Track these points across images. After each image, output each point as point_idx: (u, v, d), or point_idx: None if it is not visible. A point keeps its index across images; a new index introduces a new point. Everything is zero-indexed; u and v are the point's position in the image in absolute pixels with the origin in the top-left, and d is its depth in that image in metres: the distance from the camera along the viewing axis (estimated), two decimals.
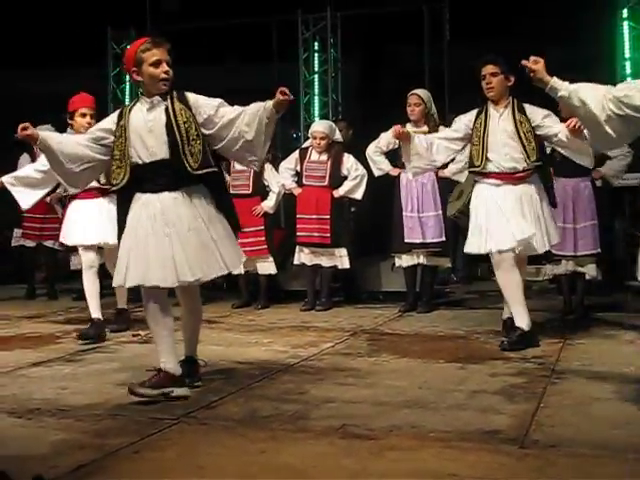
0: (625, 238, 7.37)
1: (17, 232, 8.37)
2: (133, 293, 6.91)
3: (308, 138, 7.37)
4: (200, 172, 3.74)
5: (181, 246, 3.72)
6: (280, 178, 7.11)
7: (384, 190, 6.89)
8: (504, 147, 4.91)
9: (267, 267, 7.18)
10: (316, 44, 10.59)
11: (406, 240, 6.60)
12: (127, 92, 11.27)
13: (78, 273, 5.60)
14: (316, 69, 10.58)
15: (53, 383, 4.19)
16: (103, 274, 5.63)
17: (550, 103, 4.38)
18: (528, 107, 4.92)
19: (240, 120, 3.79)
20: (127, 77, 10.54)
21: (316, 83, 10.60)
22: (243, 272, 7.17)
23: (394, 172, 6.70)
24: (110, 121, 3.92)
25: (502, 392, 3.84)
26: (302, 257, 7.04)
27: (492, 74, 4.93)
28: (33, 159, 6.90)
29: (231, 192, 7.12)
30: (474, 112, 5.09)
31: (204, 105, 3.81)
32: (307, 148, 7.14)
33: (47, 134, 4.09)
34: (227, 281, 8.12)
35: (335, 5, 10.31)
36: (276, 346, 5.23)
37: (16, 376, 4.40)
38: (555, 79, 3.81)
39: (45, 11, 11.88)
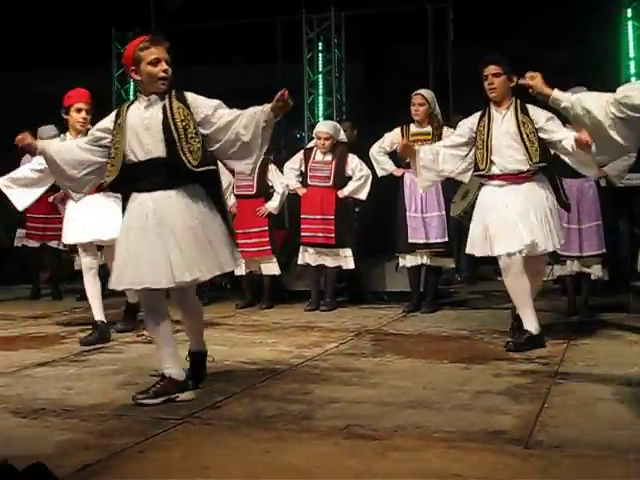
0: (630, 238, 7.36)
1: (20, 232, 8.39)
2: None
3: (312, 138, 7.38)
4: (201, 169, 3.70)
5: (177, 245, 3.66)
6: (284, 179, 7.12)
7: (388, 190, 6.90)
8: (507, 149, 4.88)
9: (271, 268, 7.18)
10: (320, 44, 10.60)
11: (410, 240, 6.60)
12: (131, 92, 11.28)
13: (82, 273, 5.60)
14: (320, 69, 10.60)
15: (58, 383, 4.20)
16: (105, 274, 5.63)
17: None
18: (531, 108, 4.88)
19: (237, 122, 3.74)
20: None
21: (320, 83, 10.62)
22: (246, 273, 7.20)
23: (398, 172, 6.70)
24: (108, 120, 3.89)
25: (506, 392, 3.84)
26: (306, 257, 7.04)
27: (494, 74, 4.89)
28: None
29: (235, 193, 7.17)
30: (477, 115, 5.07)
31: (202, 105, 3.78)
32: (312, 148, 7.15)
33: (46, 143, 4.09)
34: (231, 281, 8.14)
35: (339, 5, 10.32)
36: (280, 346, 5.23)
37: (21, 376, 4.41)
38: (556, 91, 3.80)
39: (50, 12, 11.92)
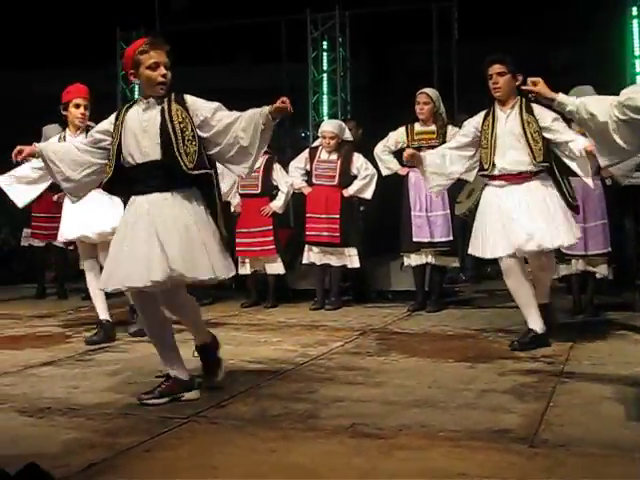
0: (635, 237, 7.34)
1: (26, 232, 8.42)
2: None
3: (317, 137, 7.38)
4: (196, 172, 3.66)
5: (166, 242, 3.59)
6: (289, 178, 7.12)
7: (393, 189, 6.90)
8: (511, 149, 4.86)
9: (275, 267, 7.19)
10: (325, 43, 10.59)
11: (414, 239, 6.60)
12: (136, 92, 11.27)
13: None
14: (325, 68, 10.58)
15: (64, 382, 4.21)
16: None
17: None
18: (536, 107, 4.83)
19: (237, 125, 3.71)
20: None
21: (325, 82, 10.60)
22: (251, 272, 7.22)
23: (402, 171, 6.70)
24: (108, 122, 3.87)
25: (511, 391, 3.84)
26: (311, 256, 7.04)
27: (499, 74, 4.85)
28: None
29: (240, 192, 7.17)
30: (482, 114, 5.05)
31: (201, 107, 3.75)
32: (317, 147, 7.15)
33: (44, 145, 4.09)
34: (236, 281, 8.14)
35: (344, 4, 10.31)
36: (285, 345, 5.24)
37: (27, 375, 4.43)
38: (561, 95, 3.80)
39: (54, 12, 11.94)
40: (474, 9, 10.14)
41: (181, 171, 3.65)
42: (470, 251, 5.14)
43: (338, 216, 6.92)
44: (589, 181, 4.81)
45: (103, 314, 5.47)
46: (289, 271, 7.38)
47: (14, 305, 7.68)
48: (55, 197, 6.32)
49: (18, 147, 4.05)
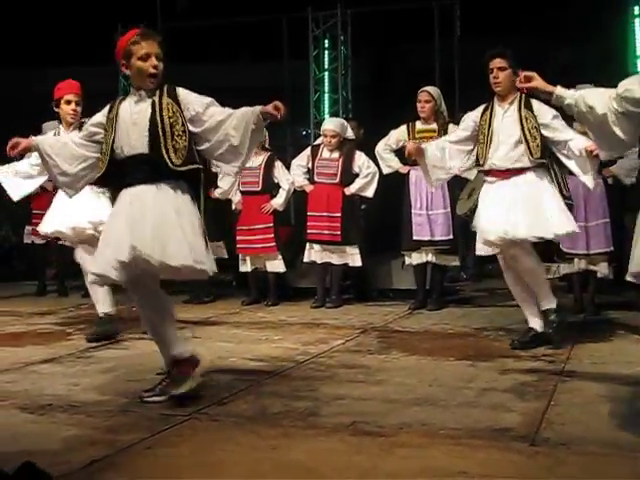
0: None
1: (28, 229, 8.41)
2: None
3: (319, 135, 7.38)
4: (183, 168, 3.63)
5: (137, 224, 3.55)
6: (290, 175, 7.12)
7: (394, 188, 6.90)
8: (506, 145, 4.80)
9: (276, 265, 7.19)
10: (326, 41, 10.59)
11: (414, 237, 6.61)
12: None
13: None
14: (326, 66, 10.58)
15: (64, 379, 4.21)
16: None
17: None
18: (536, 103, 4.77)
19: (228, 123, 3.69)
20: None
21: (326, 80, 10.60)
22: (252, 269, 7.22)
23: (403, 170, 6.70)
24: (101, 115, 3.85)
25: (512, 390, 3.84)
26: (312, 254, 7.04)
27: (500, 68, 4.80)
28: None
29: (241, 189, 7.18)
30: (481, 108, 5.01)
31: (193, 102, 3.72)
32: (319, 145, 7.15)
33: (40, 139, 4.07)
34: (236, 278, 8.16)
35: (345, 2, 10.31)
36: (286, 343, 5.24)
37: (27, 372, 4.43)
38: (559, 88, 3.74)
39: (55, 10, 11.93)
40: (476, 7, 10.14)
41: (167, 166, 3.62)
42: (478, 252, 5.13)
43: (339, 214, 6.92)
44: (586, 179, 4.75)
45: (102, 307, 5.44)
46: (290, 269, 7.39)
47: (15, 302, 7.68)
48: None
49: (14, 140, 4.01)
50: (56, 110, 5.41)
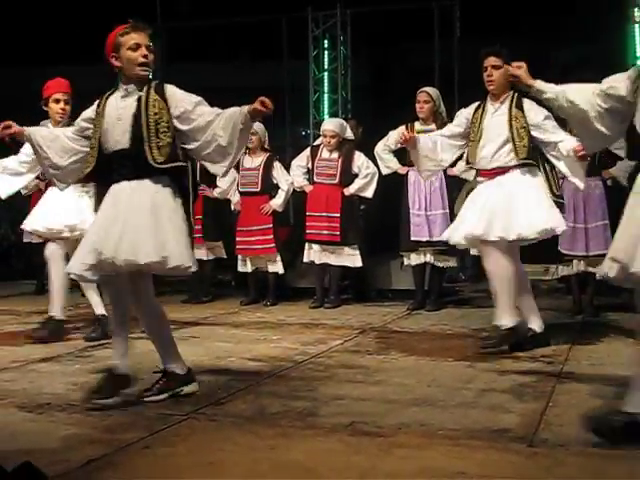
0: None
1: None
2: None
3: (318, 136, 7.38)
4: (165, 166, 3.62)
5: (111, 228, 3.56)
6: (289, 176, 7.12)
7: (393, 188, 6.90)
8: (494, 144, 4.77)
9: (275, 265, 7.19)
10: (326, 42, 10.58)
11: (412, 238, 6.62)
12: None
13: None
14: (326, 66, 10.58)
15: (63, 378, 4.21)
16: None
17: None
18: (527, 103, 4.72)
19: (216, 123, 3.67)
20: None
21: (326, 80, 10.59)
22: (251, 270, 7.22)
23: (402, 170, 6.70)
24: (91, 110, 3.84)
25: (511, 391, 3.84)
26: (311, 255, 7.04)
27: (494, 66, 4.77)
28: None
29: (240, 190, 7.18)
30: (474, 106, 4.99)
31: (181, 99, 3.70)
32: (318, 146, 7.15)
33: (34, 129, 4.06)
34: (235, 278, 8.16)
35: (345, 3, 10.30)
36: (285, 343, 5.24)
37: (26, 371, 4.43)
38: (539, 82, 3.74)
39: (54, 8, 11.92)
40: (476, 8, 10.13)
41: (148, 163, 3.61)
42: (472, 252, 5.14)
43: (338, 214, 6.92)
44: (576, 181, 4.72)
45: (99, 309, 5.45)
46: (289, 269, 7.39)
47: (13, 301, 7.68)
48: None
49: (7, 122, 3.99)
50: (45, 109, 5.39)
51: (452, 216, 6.56)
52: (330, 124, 7.14)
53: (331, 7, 10.32)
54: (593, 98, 3.35)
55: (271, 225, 7.10)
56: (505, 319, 4.76)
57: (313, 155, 7.08)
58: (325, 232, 6.93)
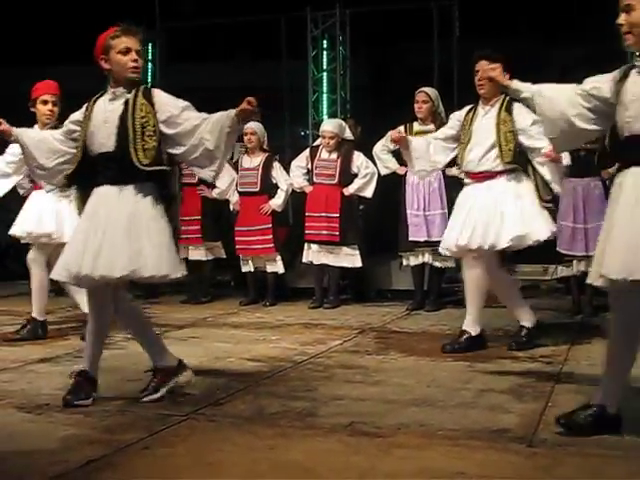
0: None
1: None
2: (141, 289, 6.97)
3: (317, 136, 7.37)
4: (149, 169, 3.62)
5: (90, 242, 3.58)
6: (288, 176, 7.12)
7: (393, 189, 6.90)
8: (481, 147, 4.77)
9: (275, 265, 7.19)
10: (325, 42, 10.56)
11: (411, 238, 6.62)
12: None
13: None
14: (325, 67, 10.56)
15: (62, 379, 4.18)
16: None
17: None
18: (517, 107, 4.69)
19: (203, 127, 3.66)
20: None
21: (324, 81, 10.57)
22: (252, 270, 7.22)
23: (401, 170, 6.69)
24: (79, 113, 3.85)
25: (510, 391, 3.84)
26: (310, 255, 7.04)
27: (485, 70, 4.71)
28: None
29: (239, 190, 7.17)
30: (466, 108, 4.98)
31: (168, 104, 3.70)
32: (317, 146, 7.15)
33: (21, 130, 4.05)
34: (235, 278, 8.15)
35: (344, 3, 10.29)
36: (284, 343, 5.23)
37: (25, 371, 4.42)
38: (516, 82, 3.73)
39: (56, 8, 11.91)
40: (475, 7, 10.13)
41: (133, 165, 3.61)
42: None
43: (337, 215, 6.92)
44: (555, 187, 4.72)
45: (86, 308, 5.42)
46: (288, 270, 7.38)
47: (12, 302, 7.66)
48: None
49: None
50: (32, 110, 5.36)
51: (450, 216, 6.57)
52: (329, 125, 7.14)
53: (330, 7, 10.31)
54: (575, 97, 3.36)
55: (270, 225, 7.09)
56: (472, 327, 4.91)
57: (312, 156, 7.08)
58: (324, 232, 6.93)
